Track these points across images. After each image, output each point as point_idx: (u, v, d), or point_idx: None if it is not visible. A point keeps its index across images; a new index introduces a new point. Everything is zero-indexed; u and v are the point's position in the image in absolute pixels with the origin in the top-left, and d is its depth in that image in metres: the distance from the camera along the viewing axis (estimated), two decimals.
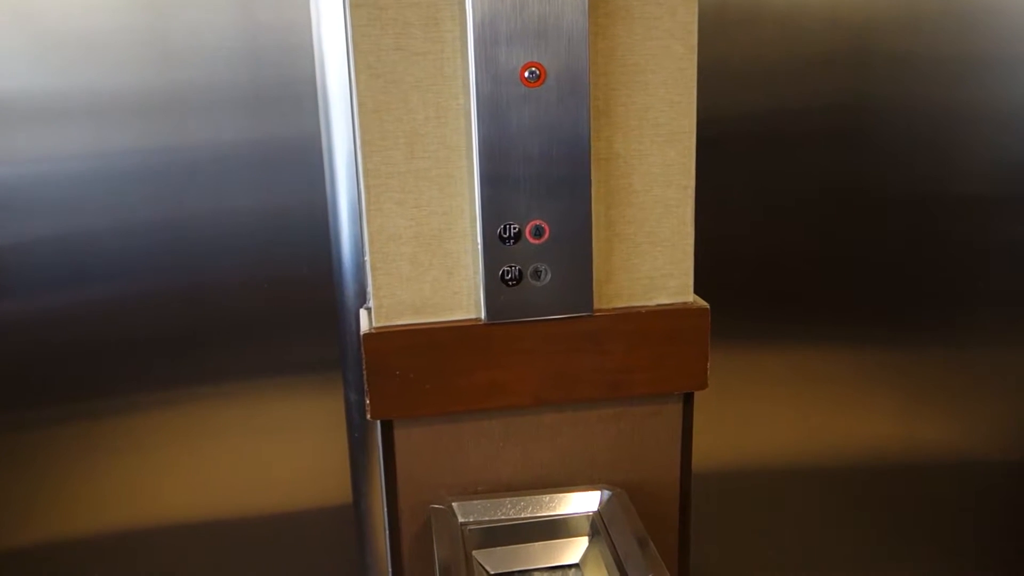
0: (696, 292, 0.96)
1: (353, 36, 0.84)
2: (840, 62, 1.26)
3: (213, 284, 1.16)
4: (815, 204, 1.30)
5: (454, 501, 0.94)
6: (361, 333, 0.91)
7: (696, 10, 0.87)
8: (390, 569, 0.99)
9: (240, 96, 1.11)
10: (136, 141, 1.11)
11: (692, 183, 0.92)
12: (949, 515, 1.47)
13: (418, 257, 0.90)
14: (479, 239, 0.89)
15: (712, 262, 1.05)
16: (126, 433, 1.19)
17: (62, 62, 1.07)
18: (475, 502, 0.94)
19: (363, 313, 0.95)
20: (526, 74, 0.85)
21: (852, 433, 1.41)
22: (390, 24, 0.84)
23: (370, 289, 0.91)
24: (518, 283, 0.90)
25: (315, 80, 1.09)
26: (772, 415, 1.37)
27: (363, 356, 0.90)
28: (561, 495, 0.95)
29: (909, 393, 1.40)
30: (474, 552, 0.92)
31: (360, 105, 0.86)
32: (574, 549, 0.94)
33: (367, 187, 0.88)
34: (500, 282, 0.90)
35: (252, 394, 1.21)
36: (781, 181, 1.28)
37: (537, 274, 0.90)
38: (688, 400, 0.98)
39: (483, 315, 0.91)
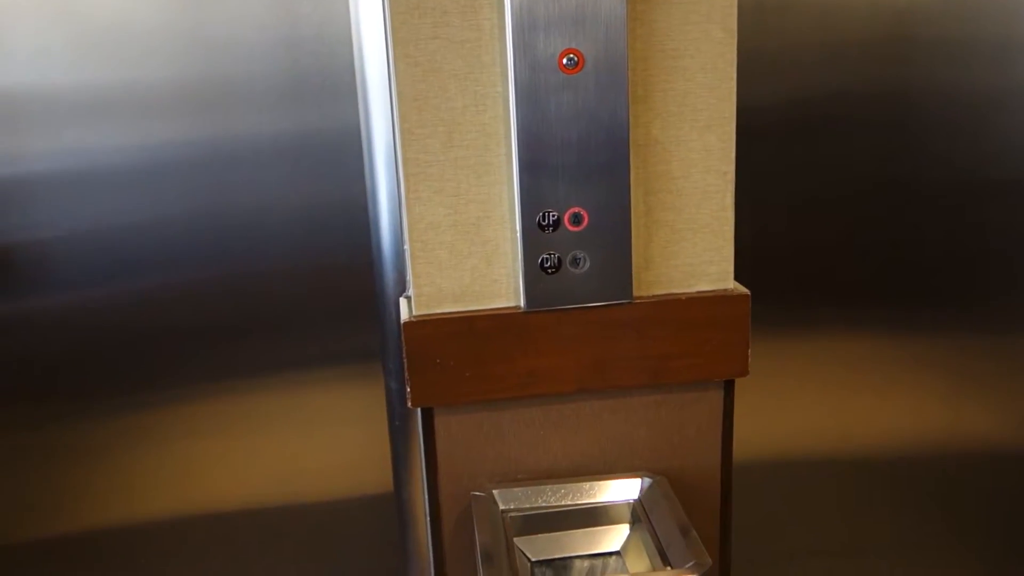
0: (736, 279, 0.96)
1: (392, 24, 0.84)
2: (880, 48, 1.24)
3: (254, 275, 1.18)
4: (856, 191, 1.29)
5: (495, 488, 0.94)
6: (401, 321, 0.91)
7: None
8: (431, 556, 0.99)
9: (279, 87, 1.12)
10: (176, 134, 1.12)
11: (732, 169, 0.91)
12: (994, 506, 1.45)
13: (457, 245, 0.91)
14: (518, 227, 0.89)
15: (751, 250, 1.04)
16: (167, 425, 1.21)
17: (103, 57, 1.08)
18: (516, 489, 0.94)
19: (403, 302, 0.95)
20: (564, 61, 0.85)
21: (894, 422, 1.39)
22: (428, 12, 0.84)
23: (410, 277, 0.91)
24: (557, 271, 0.90)
25: (354, 70, 1.10)
26: (813, 403, 1.36)
27: (403, 344, 0.91)
28: (602, 482, 0.95)
29: (952, 381, 1.38)
30: (515, 539, 0.92)
31: (399, 94, 0.86)
32: (615, 536, 0.94)
33: (406, 176, 0.88)
34: (539, 270, 0.90)
35: (293, 384, 1.22)
36: (821, 168, 1.27)
37: (576, 261, 0.90)
38: (729, 387, 0.98)
39: (522, 303, 0.91)
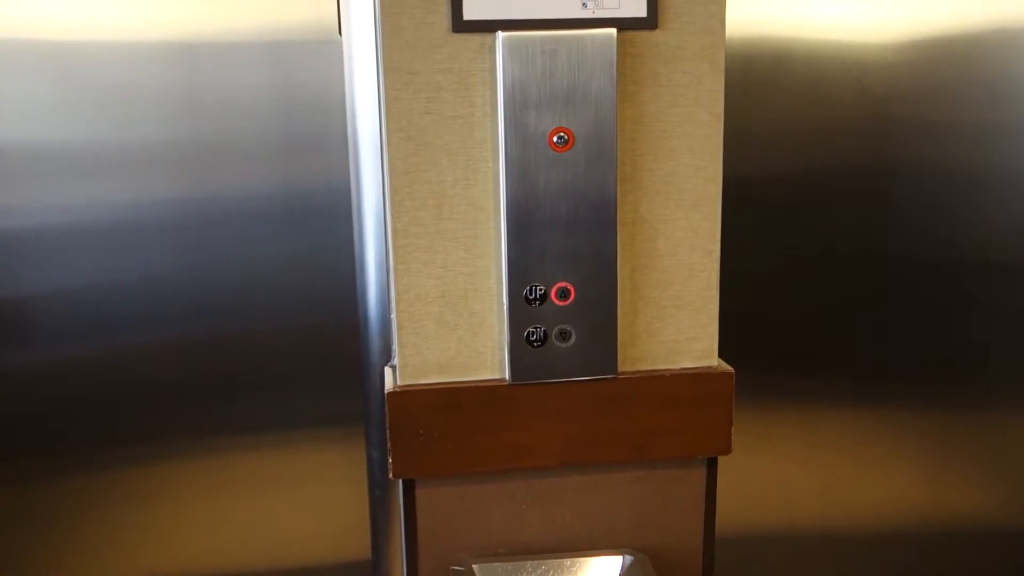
0: (720, 354, 0.96)
1: (386, 99, 0.86)
2: (864, 128, 1.27)
3: (239, 336, 1.18)
4: (839, 267, 1.31)
5: (475, 563, 0.93)
6: (386, 391, 0.91)
7: (722, 79, 0.89)
8: None
9: (272, 151, 1.13)
10: (166, 193, 1.13)
11: (717, 248, 0.93)
12: None
13: (444, 316, 0.91)
14: (505, 300, 0.89)
15: (735, 324, 1.05)
16: (148, 483, 1.20)
17: (96, 114, 1.09)
18: (496, 565, 0.93)
19: (388, 371, 0.95)
20: (555, 139, 0.86)
21: (877, 497, 1.39)
22: (423, 88, 0.86)
23: (395, 347, 0.92)
24: (543, 344, 0.91)
25: (346, 137, 1.11)
26: (797, 478, 1.36)
27: (387, 414, 0.90)
28: (583, 559, 0.94)
29: (935, 458, 1.39)
30: None
31: (391, 166, 0.87)
32: None
33: (395, 247, 0.89)
34: (525, 343, 0.90)
35: (274, 447, 1.21)
36: (805, 243, 1.29)
37: (562, 336, 0.91)
38: (712, 465, 0.98)
39: (508, 375, 0.91)
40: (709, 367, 0.95)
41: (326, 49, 1.10)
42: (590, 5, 0.85)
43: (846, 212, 1.29)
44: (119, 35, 1.08)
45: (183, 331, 1.17)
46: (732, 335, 0.98)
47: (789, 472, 1.35)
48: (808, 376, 1.33)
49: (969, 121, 1.28)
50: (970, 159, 1.30)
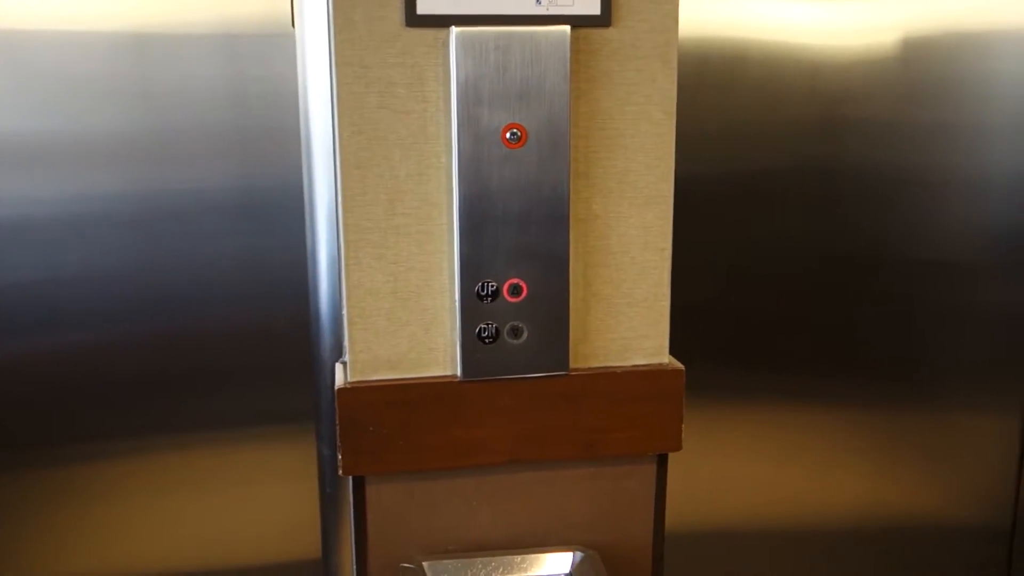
0: (671, 351, 0.97)
1: (338, 93, 0.85)
2: (816, 128, 1.29)
3: (189, 331, 1.16)
4: (790, 266, 1.32)
5: (425, 560, 0.93)
6: (336, 388, 0.90)
7: (675, 78, 0.89)
8: None
9: (224, 145, 1.12)
10: (118, 186, 1.11)
11: (669, 246, 0.93)
12: None
13: (395, 312, 0.90)
14: (457, 296, 0.89)
15: (687, 321, 1.06)
16: (97, 480, 1.18)
17: (46, 106, 1.07)
18: (446, 561, 0.93)
19: (339, 367, 0.94)
20: (508, 135, 0.86)
21: (826, 495, 1.41)
22: (375, 82, 0.85)
23: (346, 343, 0.91)
24: (495, 341, 0.90)
25: (299, 132, 1.10)
26: (746, 475, 1.37)
27: (337, 411, 0.89)
28: (533, 556, 0.94)
29: (883, 454, 1.41)
30: None
31: (343, 161, 0.86)
32: None
33: (347, 242, 0.88)
34: (477, 339, 0.90)
35: (224, 444, 1.20)
36: (757, 242, 1.30)
37: (514, 332, 0.91)
38: (662, 461, 0.98)
39: (459, 372, 0.91)
40: (660, 364, 0.95)
41: (279, 42, 1.09)
42: (544, 2, 0.85)
43: (797, 211, 1.31)
44: (70, 25, 1.06)
45: (133, 326, 1.15)
46: (681, 331, 0.98)
47: (738, 468, 1.37)
48: (757, 373, 1.35)
49: (920, 122, 1.31)
50: (921, 160, 1.32)
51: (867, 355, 1.37)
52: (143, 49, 1.08)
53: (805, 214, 1.31)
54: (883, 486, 1.42)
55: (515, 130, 0.86)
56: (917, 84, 1.29)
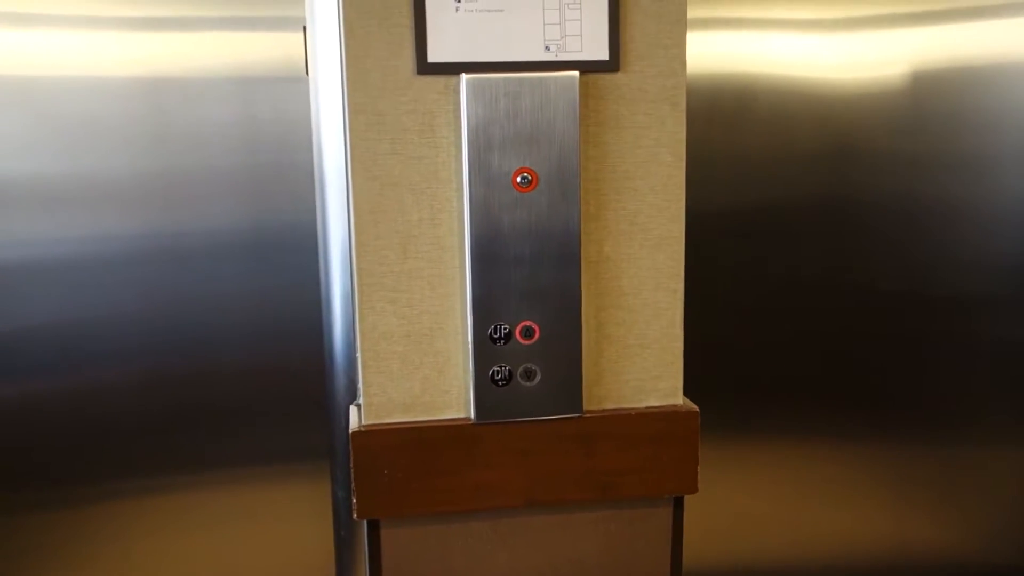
0: (686, 391, 0.97)
1: (352, 140, 0.86)
2: (825, 161, 1.29)
3: (205, 371, 1.17)
4: (803, 300, 1.32)
5: None
6: (350, 431, 0.90)
7: (684, 121, 0.90)
8: None
9: (239, 188, 1.13)
10: (134, 227, 1.12)
11: (681, 287, 0.93)
12: None
13: (409, 355, 0.91)
14: (470, 339, 0.90)
15: (701, 358, 1.05)
16: (111, 519, 1.18)
17: (64, 149, 1.09)
18: None
19: (353, 410, 0.95)
20: (518, 179, 0.87)
21: (844, 532, 1.39)
22: (388, 129, 0.86)
23: (360, 386, 0.91)
24: (508, 383, 0.91)
25: (312, 174, 1.11)
26: (763, 514, 1.36)
27: (351, 454, 0.90)
28: None
29: (902, 491, 1.39)
30: None
31: (356, 206, 0.87)
32: None
33: (360, 286, 0.89)
34: (490, 382, 0.90)
35: (239, 484, 1.20)
36: (769, 277, 1.30)
37: (527, 374, 0.91)
38: (679, 503, 0.98)
39: (473, 414, 0.91)
40: (674, 406, 0.95)
41: (293, 87, 1.10)
42: (553, 48, 0.86)
43: (809, 245, 1.30)
44: (88, 71, 1.08)
45: (148, 366, 1.16)
46: (695, 368, 0.98)
47: (755, 506, 1.36)
48: (771, 411, 1.34)
49: (929, 155, 1.31)
50: (931, 192, 1.32)
51: (883, 390, 1.36)
52: (160, 93, 1.10)
53: (816, 248, 1.31)
54: (902, 522, 1.41)
55: (526, 174, 0.87)
56: (926, 117, 1.29)
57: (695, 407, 0.95)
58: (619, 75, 0.88)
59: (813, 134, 1.28)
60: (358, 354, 0.91)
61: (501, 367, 0.90)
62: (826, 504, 1.38)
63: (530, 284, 0.89)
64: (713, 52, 1.23)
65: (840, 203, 1.31)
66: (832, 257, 1.31)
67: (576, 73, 0.86)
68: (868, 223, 1.31)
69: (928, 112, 1.29)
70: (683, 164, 0.91)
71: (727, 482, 1.34)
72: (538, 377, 0.91)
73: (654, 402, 0.95)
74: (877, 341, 1.34)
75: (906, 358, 1.35)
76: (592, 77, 0.88)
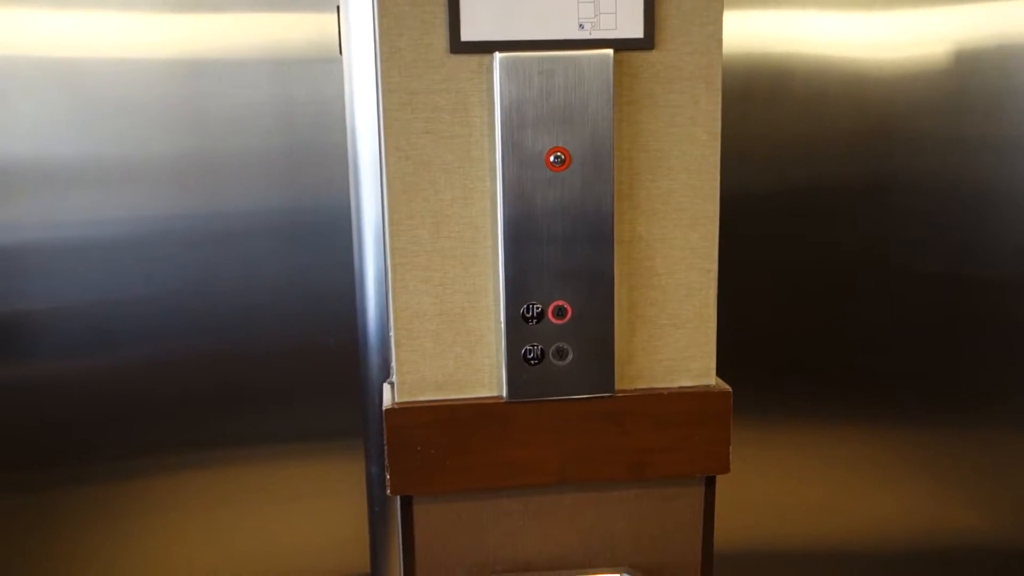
0: (718, 372, 0.96)
1: (385, 119, 0.86)
2: (864, 143, 1.27)
3: (240, 351, 1.18)
4: (838, 282, 1.31)
5: None
6: (384, 408, 0.91)
7: (719, 99, 0.89)
8: None
9: (273, 168, 1.14)
10: (170, 208, 1.14)
11: (715, 267, 0.93)
12: None
13: (442, 334, 0.91)
14: (502, 318, 0.90)
15: (733, 339, 1.05)
16: (149, 496, 1.20)
17: (102, 130, 1.10)
18: None
19: (386, 388, 0.96)
20: (551, 158, 0.87)
21: (877, 515, 1.38)
22: (421, 108, 0.86)
23: (394, 364, 0.92)
24: (540, 362, 0.91)
25: (346, 155, 1.12)
26: (794, 495, 1.35)
27: (385, 431, 0.91)
28: None
29: (934, 474, 1.38)
30: None
31: (389, 186, 0.88)
32: None
33: (393, 265, 0.89)
34: (522, 361, 0.91)
35: (275, 461, 1.22)
36: (805, 259, 1.29)
37: (559, 353, 0.91)
38: (710, 483, 0.98)
39: (505, 393, 0.92)
40: (707, 386, 0.95)
41: (327, 68, 1.11)
42: (587, 26, 0.86)
43: (846, 227, 1.29)
44: (126, 52, 1.09)
45: (185, 345, 1.18)
46: (730, 350, 0.98)
47: (787, 489, 1.35)
48: (808, 392, 1.33)
49: (969, 135, 1.28)
50: (970, 173, 1.30)
51: (918, 372, 1.35)
52: (195, 75, 1.11)
53: (853, 230, 1.29)
54: (935, 506, 1.39)
55: (559, 153, 0.87)
56: (967, 97, 1.27)
57: (728, 387, 0.95)
58: (654, 53, 0.87)
59: (851, 115, 1.26)
60: (391, 333, 0.91)
61: (533, 346, 0.91)
62: (859, 488, 1.37)
63: (562, 263, 0.89)
64: (749, 31, 1.21)
65: (878, 185, 1.29)
66: (869, 239, 1.30)
67: (610, 51, 0.86)
68: (907, 204, 1.29)
69: (970, 92, 1.27)
70: (718, 143, 0.90)
71: (760, 464, 1.33)
72: (570, 356, 0.91)
73: (687, 382, 0.95)
74: (915, 323, 1.33)
75: (944, 340, 1.34)
76: (626, 55, 0.87)
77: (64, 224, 1.13)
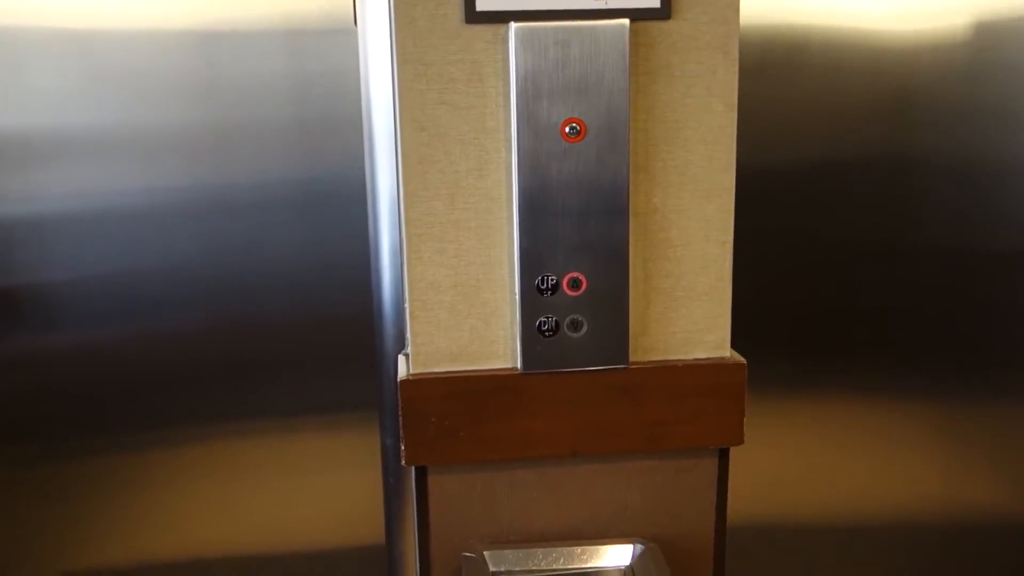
0: (733, 345, 0.96)
1: (400, 90, 0.86)
2: (882, 115, 1.26)
3: (255, 322, 1.19)
4: (856, 256, 1.30)
5: (486, 550, 0.94)
6: (399, 379, 0.92)
7: (736, 70, 0.88)
8: None
9: (288, 139, 1.14)
10: (185, 179, 1.14)
11: (730, 239, 0.92)
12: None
13: (456, 306, 0.91)
14: (517, 290, 0.90)
15: (748, 313, 1.05)
16: (164, 466, 1.21)
17: (117, 101, 1.11)
18: (507, 552, 0.94)
19: (401, 359, 0.96)
20: (567, 129, 0.86)
21: (889, 488, 1.38)
22: (435, 79, 0.86)
23: (409, 335, 0.92)
24: (554, 334, 0.91)
25: (361, 125, 1.12)
26: (809, 468, 1.36)
27: (400, 402, 0.91)
28: (593, 548, 0.95)
29: (949, 448, 1.38)
30: None
31: (404, 157, 0.87)
32: None
33: (408, 236, 0.89)
34: (536, 332, 0.91)
35: (290, 433, 1.23)
36: (820, 232, 1.28)
37: (574, 325, 0.91)
38: (724, 455, 0.98)
39: (519, 365, 0.92)
40: (722, 358, 0.95)
41: (341, 38, 1.10)
42: None
43: (863, 200, 1.28)
44: (140, 23, 1.09)
45: (199, 317, 1.18)
46: (745, 324, 0.98)
47: (801, 462, 1.35)
48: (822, 366, 1.33)
49: (990, 108, 1.27)
50: (989, 146, 1.28)
51: (934, 347, 1.34)
52: (210, 46, 1.11)
53: (870, 203, 1.28)
54: (951, 480, 1.39)
55: (574, 124, 0.86)
56: (987, 69, 1.25)
57: (742, 359, 0.94)
58: (670, 23, 0.87)
59: (869, 87, 1.25)
60: (406, 304, 0.92)
61: (548, 318, 0.91)
62: (874, 461, 1.37)
63: (578, 235, 0.89)
64: (766, 2, 1.20)
65: (896, 158, 1.28)
66: (886, 213, 1.29)
67: (626, 21, 0.85)
68: (924, 177, 1.28)
69: (990, 63, 1.25)
70: (735, 114, 0.89)
71: (774, 437, 1.33)
72: (585, 328, 0.91)
73: (701, 354, 0.95)
74: (931, 297, 1.32)
75: (960, 314, 1.33)
76: (642, 25, 0.86)
77: (80, 195, 1.13)
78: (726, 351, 0.95)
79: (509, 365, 0.93)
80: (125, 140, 1.12)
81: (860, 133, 1.26)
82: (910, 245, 1.31)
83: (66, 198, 1.13)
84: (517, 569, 0.93)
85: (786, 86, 1.23)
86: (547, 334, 0.91)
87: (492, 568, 0.93)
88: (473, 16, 0.85)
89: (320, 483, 1.24)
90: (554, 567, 0.94)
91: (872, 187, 1.28)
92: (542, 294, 0.90)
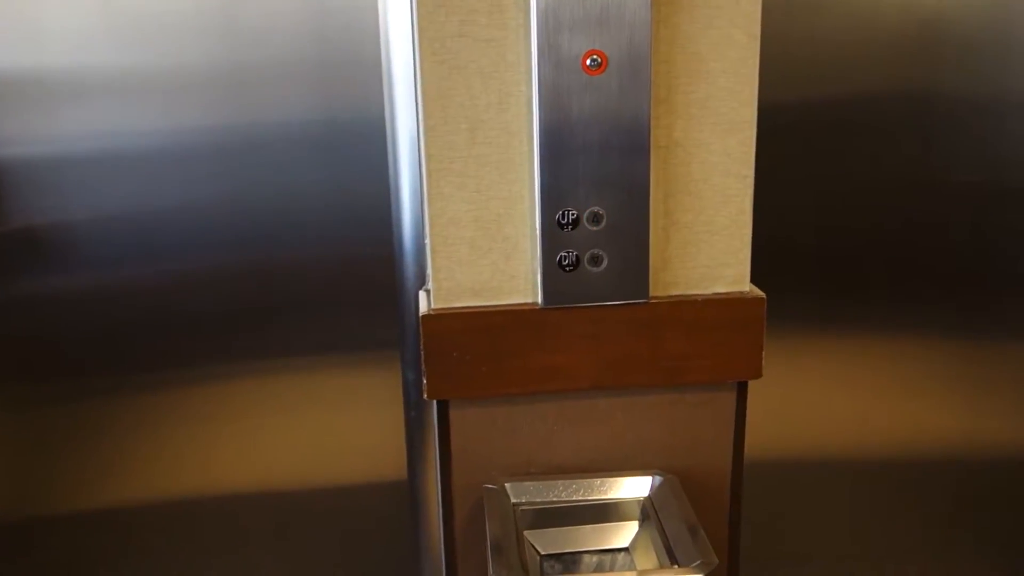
0: (753, 279, 0.96)
1: (419, 22, 0.85)
2: (910, 50, 1.24)
3: (275, 261, 1.20)
4: (878, 192, 1.29)
5: (507, 482, 0.96)
6: (420, 315, 0.92)
7: (759, 0, 0.87)
8: (442, 545, 1.01)
9: (307, 77, 1.13)
10: (206, 119, 1.14)
11: (751, 173, 0.92)
12: (1010, 512, 1.45)
13: (477, 241, 0.92)
14: (537, 224, 0.90)
15: (769, 249, 1.04)
16: (188, 405, 1.23)
17: (137, 40, 1.10)
18: (528, 483, 0.96)
19: (422, 295, 0.97)
20: (588, 62, 0.86)
21: (910, 424, 1.39)
22: (455, 11, 0.85)
23: (429, 271, 0.93)
24: (575, 268, 0.91)
25: (380, 63, 1.11)
26: (827, 404, 1.36)
27: (421, 337, 0.92)
28: (613, 479, 0.96)
29: (970, 384, 1.38)
30: (525, 532, 0.93)
31: (423, 91, 0.87)
32: (624, 533, 0.95)
33: (428, 171, 0.89)
34: (557, 267, 0.91)
35: (312, 370, 1.24)
36: (846, 169, 1.27)
37: (594, 260, 0.91)
38: (742, 389, 0.98)
39: (540, 299, 0.92)
40: (741, 292, 0.95)
41: None
42: None
43: (888, 137, 1.27)
44: None
45: (219, 256, 1.19)
46: (765, 260, 0.98)
47: (820, 397, 1.36)
48: (843, 301, 1.32)
49: (1017, 43, 1.24)
50: (1017, 81, 1.26)
51: (958, 285, 1.33)
52: None
53: (896, 141, 1.27)
54: (972, 417, 1.40)
55: (595, 56, 0.86)
56: (1017, 2, 1.22)
57: (762, 294, 0.95)
58: None
59: (897, 21, 1.22)
60: (427, 240, 0.92)
61: (568, 252, 0.91)
62: (895, 397, 1.37)
63: (598, 170, 0.89)
64: None
65: (924, 95, 1.26)
66: (913, 150, 1.28)
67: None
68: (954, 116, 1.26)
69: None
70: (757, 45, 0.88)
71: (796, 374, 1.34)
72: (605, 263, 0.91)
73: (721, 288, 0.95)
74: (956, 236, 1.31)
75: (985, 253, 1.32)
76: None
77: (99, 135, 1.13)
78: (745, 286, 0.95)
79: (530, 300, 0.94)
80: (144, 80, 1.12)
81: (885, 67, 1.24)
82: (935, 179, 1.29)
83: (86, 138, 1.13)
84: (538, 500, 0.95)
85: (812, 19, 1.21)
86: (568, 269, 0.91)
87: (513, 499, 0.95)
88: None
89: (342, 419, 1.26)
90: (574, 498, 0.95)
91: (897, 122, 1.26)
92: (563, 229, 0.90)
